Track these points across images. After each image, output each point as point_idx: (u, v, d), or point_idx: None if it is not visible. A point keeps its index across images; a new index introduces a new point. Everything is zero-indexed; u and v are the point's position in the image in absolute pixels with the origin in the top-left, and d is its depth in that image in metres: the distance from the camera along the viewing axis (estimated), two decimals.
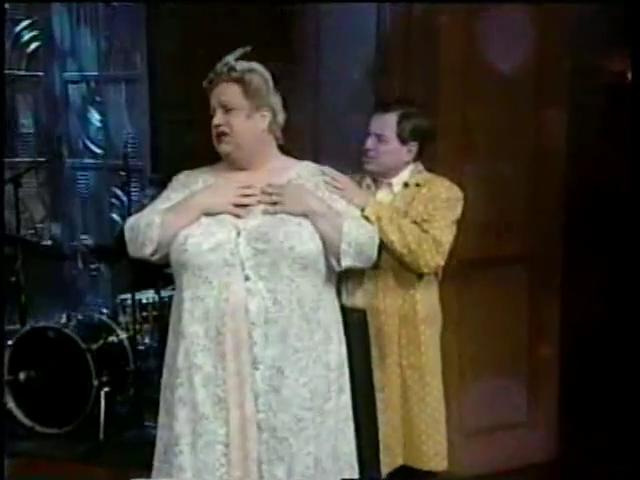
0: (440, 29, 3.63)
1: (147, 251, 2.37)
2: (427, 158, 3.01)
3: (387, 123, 2.82)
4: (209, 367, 2.30)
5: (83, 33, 5.34)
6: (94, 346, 4.33)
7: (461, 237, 3.41)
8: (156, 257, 2.39)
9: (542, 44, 3.75)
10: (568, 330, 4.01)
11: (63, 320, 4.48)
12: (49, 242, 5.36)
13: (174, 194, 2.48)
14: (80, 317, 4.60)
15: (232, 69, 2.38)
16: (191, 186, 2.48)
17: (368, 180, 2.90)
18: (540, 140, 3.84)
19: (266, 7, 4.40)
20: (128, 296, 4.53)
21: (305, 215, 2.35)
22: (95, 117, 5.41)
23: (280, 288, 2.30)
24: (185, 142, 4.54)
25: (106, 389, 4.26)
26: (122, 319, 4.62)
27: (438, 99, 3.67)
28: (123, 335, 4.54)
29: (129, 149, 4.90)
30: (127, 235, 2.45)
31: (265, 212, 2.37)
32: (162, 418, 2.45)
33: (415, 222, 2.72)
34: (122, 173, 4.52)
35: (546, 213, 3.91)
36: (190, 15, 4.64)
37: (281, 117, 2.47)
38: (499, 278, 3.82)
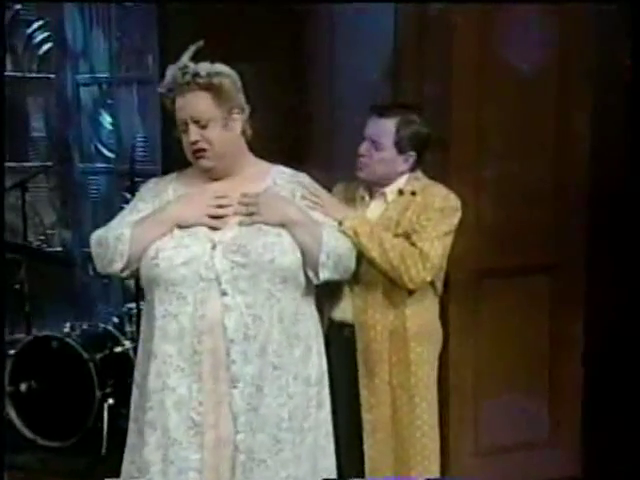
0: (456, 28, 3.45)
1: (117, 267, 2.24)
2: (440, 162, 2.84)
3: (385, 129, 2.61)
4: (183, 389, 2.18)
5: (95, 34, 5.25)
6: (98, 356, 4.19)
7: (478, 245, 3.31)
8: (126, 273, 2.26)
9: (561, 43, 3.57)
10: (591, 343, 3.83)
11: (66, 329, 4.34)
12: (59, 248, 5.27)
13: (142, 204, 2.34)
14: (85, 326, 4.46)
15: (197, 75, 2.21)
16: (161, 195, 2.35)
17: (362, 191, 2.73)
18: (561, 143, 3.64)
19: (279, 7, 4.27)
20: (134, 305, 4.39)
21: (282, 225, 2.21)
22: (107, 120, 5.31)
23: (260, 302, 2.18)
24: None
25: (110, 401, 4.12)
26: (128, 328, 4.48)
27: (453, 99, 3.50)
28: (128, 345, 4.38)
29: (141, 153, 4.84)
30: (94, 251, 2.30)
31: (241, 223, 2.23)
32: (132, 439, 2.31)
33: (407, 233, 2.55)
34: (130, 177, 4.40)
35: (568, 220, 3.71)
36: (202, 15, 4.52)
37: (247, 113, 2.32)
38: (518, 288, 3.64)
